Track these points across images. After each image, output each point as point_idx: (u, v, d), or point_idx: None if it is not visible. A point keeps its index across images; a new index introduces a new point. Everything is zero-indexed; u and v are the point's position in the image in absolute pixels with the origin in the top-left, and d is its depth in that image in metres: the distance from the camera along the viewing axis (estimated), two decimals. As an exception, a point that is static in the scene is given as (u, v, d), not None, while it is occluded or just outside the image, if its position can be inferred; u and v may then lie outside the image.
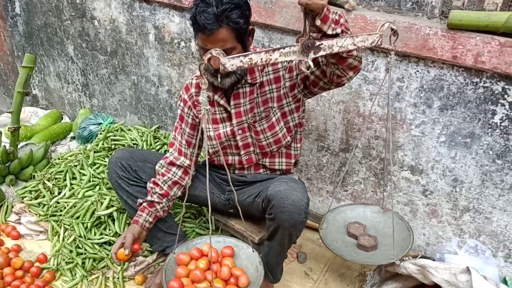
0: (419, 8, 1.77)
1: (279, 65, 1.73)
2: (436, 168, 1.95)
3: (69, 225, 2.24)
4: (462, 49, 1.66)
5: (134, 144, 2.69)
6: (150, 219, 1.85)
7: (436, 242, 2.12)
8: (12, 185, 2.59)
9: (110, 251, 2.16)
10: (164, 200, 1.87)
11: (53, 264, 2.15)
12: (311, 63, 1.29)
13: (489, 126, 1.76)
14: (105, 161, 2.58)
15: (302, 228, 1.71)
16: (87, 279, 2.09)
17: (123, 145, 2.69)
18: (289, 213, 1.59)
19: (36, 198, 2.43)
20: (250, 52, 1.26)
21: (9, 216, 2.44)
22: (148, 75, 2.82)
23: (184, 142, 1.90)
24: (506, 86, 1.67)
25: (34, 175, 2.62)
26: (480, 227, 1.96)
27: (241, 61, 1.25)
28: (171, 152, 1.92)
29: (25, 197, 2.46)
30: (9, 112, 2.62)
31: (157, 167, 1.90)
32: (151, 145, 2.70)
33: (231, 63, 1.23)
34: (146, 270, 2.16)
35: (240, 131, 1.81)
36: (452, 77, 1.76)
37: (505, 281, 1.98)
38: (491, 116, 1.74)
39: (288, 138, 1.82)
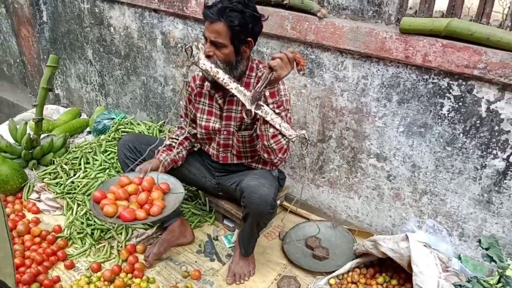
0: (379, 15, 2.07)
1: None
2: (398, 155, 2.23)
3: (81, 201, 2.58)
4: (413, 50, 1.96)
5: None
6: (168, 159, 2.15)
7: (401, 223, 2.38)
8: (34, 169, 2.96)
9: (116, 224, 2.49)
10: (180, 147, 2.23)
11: (67, 234, 2.49)
12: (252, 111, 1.73)
13: (439, 117, 2.04)
14: (115, 149, 2.93)
15: (270, 217, 2.08)
16: (95, 247, 2.42)
17: (132, 137, 3.04)
18: (256, 205, 1.92)
19: (54, 179, 2.79)
20: (220, 69, 1.62)
21: (30, 194, 2.81)
22: (155, 76, 3.18)
23: (189, 120, 2.23)
24: (450, 82, 1.95)
25: (53, 161, 2.99)
26: (436, 208, 2.22)
27: (211, 67, 1.59)
28: (180, 122, 2.32)
29: (45, 177, 2.82)
30: (34, 105, 3.01)
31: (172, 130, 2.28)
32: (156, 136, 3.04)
33: (203, 62, 1.55)
34: (146, 241, 2.48)
35: (225, 132, 2.12)
36: (407, 74, 2.05)
37: (460, 258, 2.22)
38: (440, 108, 2.02)
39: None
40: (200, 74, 2.18)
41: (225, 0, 1.80)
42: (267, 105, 1.76)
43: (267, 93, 1.73)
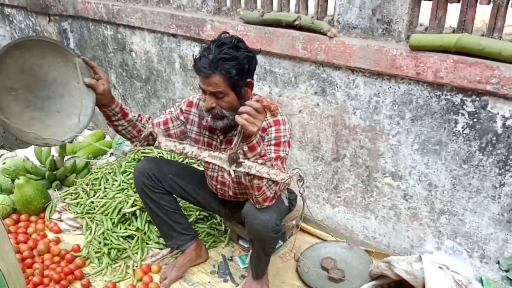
0: (389, 33, 2.07)
1: None
2: (413, 174, 2.18)
3: (99, 221, 2.64)
4: (424, 67, 1.93)
5: (159, 156, 3.10)
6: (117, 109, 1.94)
7: (419, 244, 2.30)
8: (57, 189, 3.06)
9: (132, 243, 2.53)
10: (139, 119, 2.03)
11: (85, 253, 2.53)
12: (232, 173, 1.65)
13: (454, 134, 1.99)
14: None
15: (275, 242, 2.01)
16: (111, 266, 2.45)
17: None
18: (257, 231, 1.88)
19: (75, 199, 2.86)
20: (186, 143, 1.57)
21: (52, 214, 2.88)
22: (174, 98, 3.26)
23: (161, 121, 2.08)
24: (464, 98, 1.91)
25: (75, 181, 3.08)
26: (455, 229, 2.14)
27: (175, 145, 1.54)
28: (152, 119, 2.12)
29: (67, 198, 2.90)
30: (59, 128, 3.12)
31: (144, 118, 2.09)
32: (174, 157, 3.09)
33: (166, 143, 1.51)
34: (161, 261, 2.49)
35: (219, 171, 2.11)
36: (419, 91, 2.02)
37: (481, 281, 2.12)
38: (454, 125, 1.98)
39: None
40: (195, 101, 2.07)
41: (215, 48, 1.70)
42: (248, 159, 1.65)
43: (245, 148, 1.62)
